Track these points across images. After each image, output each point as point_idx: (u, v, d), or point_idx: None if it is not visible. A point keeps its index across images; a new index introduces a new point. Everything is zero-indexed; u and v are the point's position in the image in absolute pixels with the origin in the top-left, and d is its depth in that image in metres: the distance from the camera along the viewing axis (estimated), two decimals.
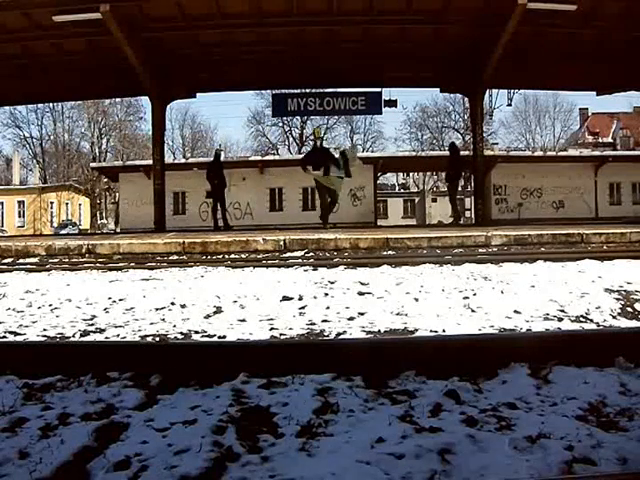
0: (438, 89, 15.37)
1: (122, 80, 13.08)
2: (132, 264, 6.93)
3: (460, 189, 35.55)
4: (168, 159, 20.47)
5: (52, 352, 2.50)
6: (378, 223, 21.76)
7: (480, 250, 7.67)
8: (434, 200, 39.93)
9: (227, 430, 1.74)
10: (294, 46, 12.63)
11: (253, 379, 2.20)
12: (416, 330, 3.37)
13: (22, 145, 44.06)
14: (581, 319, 3.60)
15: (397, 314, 3.77)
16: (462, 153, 14.45)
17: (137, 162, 26.18)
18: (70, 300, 4.42)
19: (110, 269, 6.54)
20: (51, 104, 39.35)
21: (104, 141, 44.19)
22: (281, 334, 3.42)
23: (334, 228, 11.02)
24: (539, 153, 26.77)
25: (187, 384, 2.19)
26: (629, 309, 3.84)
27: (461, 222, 13.51)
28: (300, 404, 1.94)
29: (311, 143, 42.51)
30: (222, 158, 13.83)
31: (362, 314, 3.80)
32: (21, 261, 8.00)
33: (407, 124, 42.88)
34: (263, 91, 34.01)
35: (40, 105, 39.41)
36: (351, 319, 3.71)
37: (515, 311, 3.71)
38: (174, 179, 17.73)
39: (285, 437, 1.71)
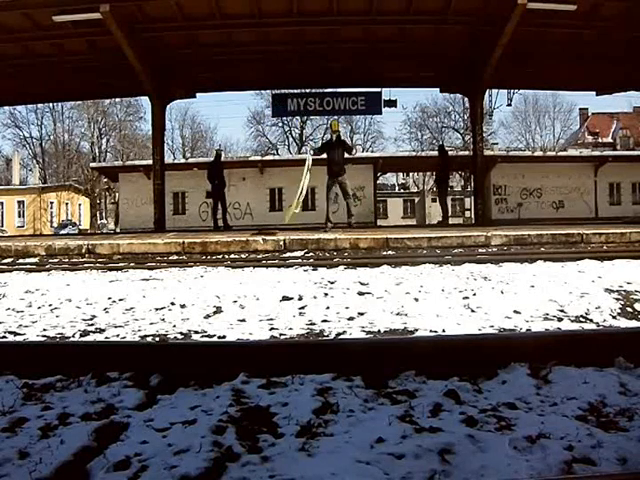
0: (438, 89, 15.38)
1: (122, 80, 13.08)
2: (132, 264, 6.94)
3: (460, 189, 35.68)
4: (168, 159, 20.48)
5: (52, 352, 2.50)
6: (378, 223, 21.76)
7: (480, 250, 7.67)
8: (434, 200, 39.72)
9: (227, 430, 1.74)
10: (294, 46, 12.63)
11: (253, 379, 2.20)
12: (416, 330, 3.37)
13: (22, 145, 44.03)
14: (581, 319, 3.60)
15: (397, 314, 3.77)
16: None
17: (137, 162, 26.14)
18: (70, 300, 4.42)
19: (110, 269, 6.54)
20: (51, 104, 39.29)
21: (104, 141, 44.14)
22: (281, 334, 3.42)
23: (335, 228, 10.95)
24: (539, 153, 26.74)
25: (187, 384, 2.19)
26: (629, 309, 3.84)
27: (449, 223, 13.41)
28: (300, 404, 1.94)
29: (311, 143, 42.51)
30: (222, 158, 13.84)
31: (362, 314, 3.80)
32: (21, 261, 8.00)
33: (407, 124, 42.76)
34: (263, 91, 34.09)
35: (40, 105, 39.37)
36: (351, 319, 3.71)
37: (515, 311, 3.71)
38: (174, 179, 17.75)
39: (285, 437, 1.71)
